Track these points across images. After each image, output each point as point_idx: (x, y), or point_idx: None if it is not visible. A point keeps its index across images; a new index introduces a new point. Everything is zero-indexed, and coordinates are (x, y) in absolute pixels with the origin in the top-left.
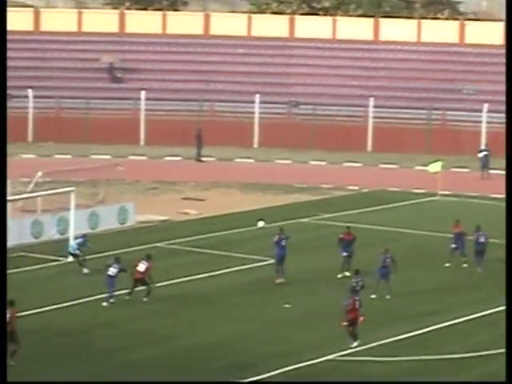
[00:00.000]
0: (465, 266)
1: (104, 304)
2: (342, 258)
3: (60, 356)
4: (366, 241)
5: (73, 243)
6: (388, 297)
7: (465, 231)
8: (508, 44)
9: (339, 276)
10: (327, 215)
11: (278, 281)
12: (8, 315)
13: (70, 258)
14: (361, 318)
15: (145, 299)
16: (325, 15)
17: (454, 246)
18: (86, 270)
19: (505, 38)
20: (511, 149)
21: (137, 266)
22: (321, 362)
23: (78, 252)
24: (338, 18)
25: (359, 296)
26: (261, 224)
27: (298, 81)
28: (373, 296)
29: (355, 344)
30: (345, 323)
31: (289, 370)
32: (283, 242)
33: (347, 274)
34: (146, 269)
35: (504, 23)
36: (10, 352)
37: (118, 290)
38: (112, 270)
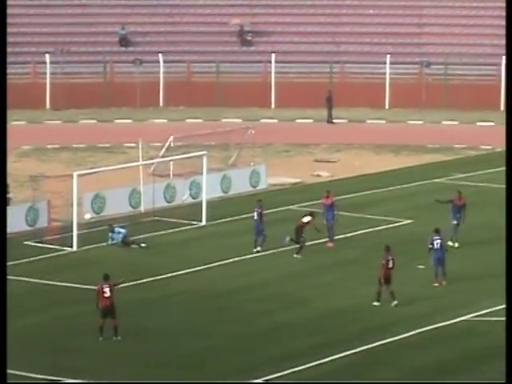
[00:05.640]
0: None
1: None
2: (452, 225)
3: (205, 319)
4: (499, 200)
5: (118, 236)
6: None
7: None
8: (508, 37)
9: (449, 244)
10: (461, 175)
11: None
12: (107, 289)
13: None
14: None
15: (295, 256)
16: None
17: None
18: (143, 245)
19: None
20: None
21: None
22: (457, 322)
23: (126, 239)
24: None
25: (442, 255)
26: (87, 216)
27: (429, 40)
28: None
29: (376, 303)
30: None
31: (424, 331)
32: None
33: (450, 243)
34: (309, 221)
35: None
36: (112, 328)
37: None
38: (255, 214)
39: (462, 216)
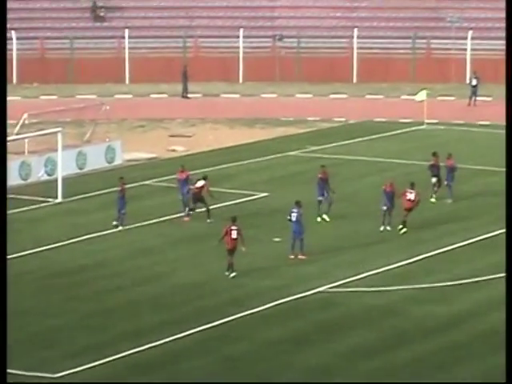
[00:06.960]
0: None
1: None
2: (318, 201)
3: (57, 297)
4: (355, 172)
5: None
6: (388, 228)
7: (455, 165)
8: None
9: (318, 220)
10: (314, 148)
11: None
12: None
13: None
14: (243, 249)
15: (208, 221)
16: None
17: (445, 182)
18: None
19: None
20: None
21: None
22: (312, 294)
23: None
24: None
25: (298, 228)
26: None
27: (282, 14)
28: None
29: (232, 274)
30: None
31: (280, 304)
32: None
33: (326, 217)
34: (203, 186)
35: None
36: None
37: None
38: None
39: (326, 190)
